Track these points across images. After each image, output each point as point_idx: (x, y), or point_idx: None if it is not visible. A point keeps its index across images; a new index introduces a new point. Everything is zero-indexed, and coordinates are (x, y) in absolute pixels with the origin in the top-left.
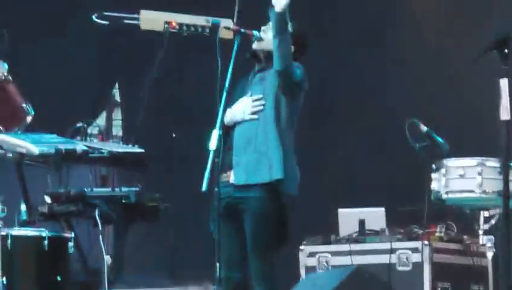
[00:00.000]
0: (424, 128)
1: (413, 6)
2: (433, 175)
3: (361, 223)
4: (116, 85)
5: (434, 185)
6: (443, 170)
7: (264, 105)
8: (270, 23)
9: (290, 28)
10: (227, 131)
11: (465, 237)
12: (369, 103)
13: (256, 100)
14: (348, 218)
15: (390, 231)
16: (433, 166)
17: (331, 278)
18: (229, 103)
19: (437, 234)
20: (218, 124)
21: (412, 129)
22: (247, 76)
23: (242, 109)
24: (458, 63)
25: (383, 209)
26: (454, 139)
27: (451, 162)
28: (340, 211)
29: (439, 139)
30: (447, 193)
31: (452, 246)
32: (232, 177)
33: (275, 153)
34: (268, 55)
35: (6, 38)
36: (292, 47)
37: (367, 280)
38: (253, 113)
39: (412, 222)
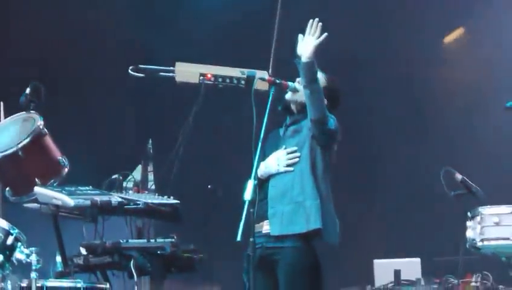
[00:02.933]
0: (459, 176)
1: (445, 56)
2: (468, 223)
3: (397, 273)
4: (150, 140)
5: (469, 233)
6: (478, 218)
7: (299, 157)
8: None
9: (323, 78)
10: (261, 183)
11: (500, 286)
12: (403, 153)
13: (291, 153)
14: (384, 268)
15: (426, 281)
16: (468, 214)
17: None
18: (261, 155)
19: (473, 284)
20: (253, 175)
21: (447, 177)
22: (277, 129)
23: (276, 161)
24: (494, 112)
25: (418, 259)
26: (489, 186)
27: (486, 210)
28: (376, 261)
29: (474, 187)
30: (482, 240)
31: None
32: (265, 227)
33: (312, 203)
34: (302, 106)
35: (43, 92)
36: (325, 100)
37: None
38: (288, 165)
39: (448, 272)
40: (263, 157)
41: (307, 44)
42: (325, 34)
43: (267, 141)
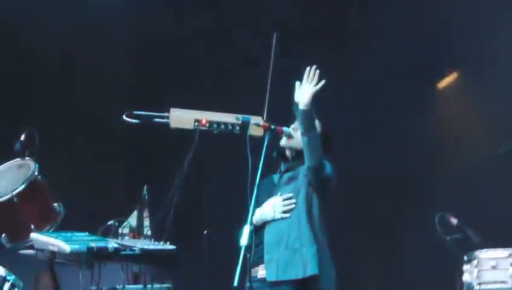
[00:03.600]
0: (454, 220)
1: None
2: (465, 267)
3: None
4: (145, 186)
5: (466, 277)
6: (475, 262)
7: (295, 203)
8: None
9: (317, 124)
10: (256, 230)
11: None
12: (396, 198)
13: (287, 199)
14: None
15: None
16: (465, 258)
17: None
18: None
19: None
20: (249, 220)
21: (442, 223)
22: (270, 176)
23: (272, 208)
24: (488, 157)
25: None
26: (485, 230)
27: (483, 254)
28: None
29: (470, 232)
30: (479, 284)
31: None
32: (260, 271)
33: (309, 249)
34: (297, 153)
35: (37, 138)
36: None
37: None
38: (284, 212)
39: None
40: (256, 203)
41: (304, 91)
42: (323, 81)
43: (260, 187)
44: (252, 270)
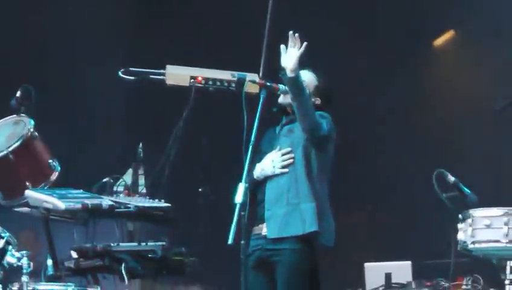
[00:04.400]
0: (451, 178)
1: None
2: (460, 225)
3: (388, 276)
4: (140, 144)
5: (460, 236)
6: (469, 220)
7: (293, 158)
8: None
9: (313, 77)
10: (258, 185)
11: (491, 289)
12: (394, 154)
13: (285, 154)
14: (374, 272)
15: (417, 284)
16: (460, 216)
17: None
18: (256, 155)
19: (463, 287)
20: (244, 178)
21: (440, 179)
22: (273, 128)
23: (271, 163)
24: (486, 114)
25: (409, 262)
26: (481, 189)
27: (477, 212)
28: (367, 264)
29: (467, 190)
30: (473, 243)
31: None
32: (264, 229)
33: (307, 205)
34: (293, 108)
35: (33, 95)
36: (318, 99)
37: None
38: (283, 167)
39: (439, 275)
40: (260, 155)
41: (290, 56)
42: (305, 43)
43: (263, 139)
44: (257, 227)
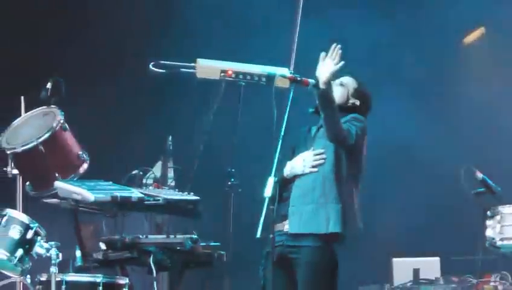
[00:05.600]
0: (479, 175)
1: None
2: (488, 222)
3: (416, 272)
4: (170, 137)
5: (489, 232)
6: (498, 217)
7: (324, 159)
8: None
9: (353, 81)
10: (286, 184)
11: None
12: (424, 149)
13: (318, 154)
14: (403, 267)
15: (445, 281)
16: (488, 213)
17: None
18: (289, 152)
19: (491, 284)
20: (273, 172)
21: (468, 176)
22: (309, 128)
23: (302, 162)
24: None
25: (437, 258)
26: (510, 186)
27: (506, 209)
28: (395, 260)
29: (495, 186)
30: (502, 239)
31: None
32: (286, 226)
33: (333, 207)
34: None
35: (63, 87)
36: (357, 101)
37: None
38: (313, 166)
39: (467, 271)
40: (292, 154)
41: (326, 68)
42: (342, 62)
43: (298, 137)
44: (279, 224)
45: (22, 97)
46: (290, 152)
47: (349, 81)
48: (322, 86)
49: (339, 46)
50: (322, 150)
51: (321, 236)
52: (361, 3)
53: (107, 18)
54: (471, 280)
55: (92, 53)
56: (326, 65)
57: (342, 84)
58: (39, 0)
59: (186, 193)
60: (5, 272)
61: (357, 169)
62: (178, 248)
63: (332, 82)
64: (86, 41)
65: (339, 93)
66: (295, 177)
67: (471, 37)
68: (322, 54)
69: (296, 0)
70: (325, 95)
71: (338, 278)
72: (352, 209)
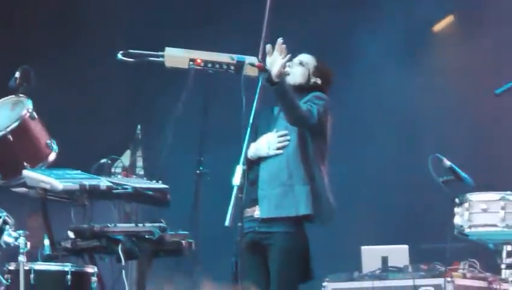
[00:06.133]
0: (447, 162)
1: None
2: (456, 209)
3: (384, 260)
4: (139, 126)
5: (457, 220)
6: (466, 205)
7: (289, 140)
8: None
9: (312, 59)
10: (251, 165)
11: (488, 274)
12: (392, 137)
13: (282, 136)
14: (371, 255)
15: (413, 268)
16: (456, 200)
17: None
18: (253, 134)
19: (460, 271)
20: (242, 160)
21: (435, 164)
22: (271, 108)
23: (267, 144)
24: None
25: (406, 246)
26: (477, 173)
27: (474, 197)
28: (363, 248)
29: (463, 174)
30: (470, 227)
31: (475, 283)
32: (257, 211)
33: (301, 188)
34: (296, 88)
35: (32, 76)
36: (318, 79)
37: None
38: (278, 148)
39: (435, 259)
40: (255, 135)
41: (275, 62)
42: (289, 55)
43: (260, 118)
44: (249, 209)
45: None
46: (253, 133)
47: (308, 60)
48: (275, 79)
49: (281, 40)
50: (286, 131)
51: (292, 219)
52: None
53: (80, 5)
54: (439, 267)
55: (63, 42)
56: (275, 59)
57: (301, 64)
58: None
59: (155, 181)
60: None
61: (323, 148)
62: (147, 236)
63: (289, 63)
64: (56, 29)
65: (299, 73)
66: (260, 159)
67: (441, 25)
68: (268, 47)
69: None
70: (279, 88)
71: (311, 262)
72: (321, 188)
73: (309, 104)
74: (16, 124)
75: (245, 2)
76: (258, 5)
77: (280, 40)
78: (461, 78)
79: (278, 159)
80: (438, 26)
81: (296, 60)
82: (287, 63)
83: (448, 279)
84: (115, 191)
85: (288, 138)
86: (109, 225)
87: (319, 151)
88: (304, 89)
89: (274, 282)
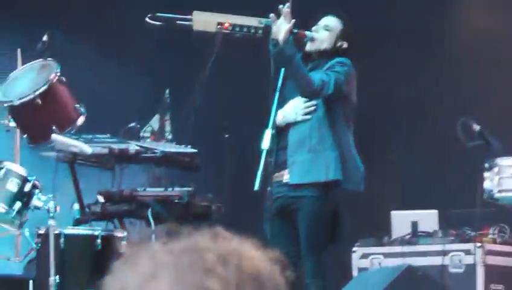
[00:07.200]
0: (476, 127)
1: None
2: (486, 174)
3: (414, 225)
4: (167, 90)
5: (487, 184)
6: (496, 169)
7: (315, 105)
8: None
9: (338, 22)
10: (280, 131)
11: None
12: (420, 104)
13: (308, 101)
14: (401, 220)
15: (443, 233)
16: (486, 165)
17: (383, 276)
18: (280, 100)
19: (490, 236)
20: (270, 124)
21: (464, 128)
22: None
23: (294, 110)
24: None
25: (435, 211)
26: (507, 138)
27: (504, 161)
28: (393, 213)
29: (492, 139)
30: (500, 191)
31: (505, 248)
32: (286, 176)
33: (331, 154)
34: (321, 53)
35: (60, 40)
36: (345, 43)
37: (419, 278)
38: (305, 114)
39: (465, 224)
40: (283, 100)
41: (280, 29)
42: (293, 20)
43: (287, 84)
44: (278, 174)
45: (19, 50)
46: (281, 99)
47: (334, 24)
48: (281, 44)
49: (287, 4)
50: None
51: (322, 185)
52: None
53: None
54: (469, 232)
55: (90, 6)
56: (280, 26)
57: (327, 28)
58: None
59: (184, 145)
60: (3, 225)
61: (349, 113)
62: (176, 200)
63: (314, 27)
64: None
65: (325, 37)
66: (289, 125)
67: None
68: (272, 15)
69: None
70: (281, 54)
71: (342, 227)
72: (351, 152)
73: (328, 72)
74: (44, 87)
75: None
76: None
77: (281, 7)
78: (493, 43)
79: (307, 124)
80: None
81: (322, 23)
82: (312, 28)
83: (478, 244)
84: (143, 155)
85: (314, 102)
86: (138, 189)
87: (345, 117)
88: (330, 54)
89: (304, 245)
